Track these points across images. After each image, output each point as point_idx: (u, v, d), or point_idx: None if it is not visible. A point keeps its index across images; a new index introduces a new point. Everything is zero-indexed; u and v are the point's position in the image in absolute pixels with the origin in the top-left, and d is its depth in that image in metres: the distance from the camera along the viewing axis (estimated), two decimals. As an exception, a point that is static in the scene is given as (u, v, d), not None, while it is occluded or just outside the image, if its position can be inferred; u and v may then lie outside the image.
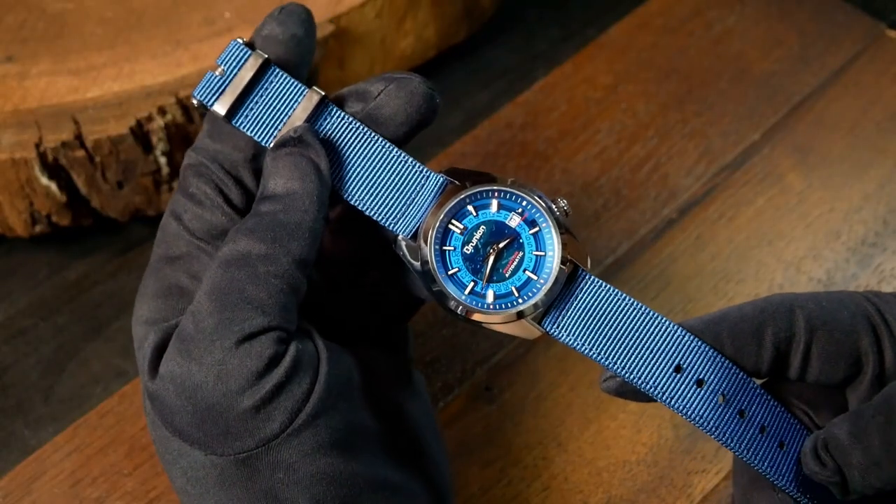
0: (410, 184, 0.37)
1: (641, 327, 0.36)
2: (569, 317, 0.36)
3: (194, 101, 0.37)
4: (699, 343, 0.35)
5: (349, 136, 0.37)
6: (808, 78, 0.59)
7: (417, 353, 0.49)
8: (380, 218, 0.37)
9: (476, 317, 0.36)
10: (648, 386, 0.35)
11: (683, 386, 0.35)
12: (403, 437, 0.38)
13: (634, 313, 0.36)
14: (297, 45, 0.38)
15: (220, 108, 0.36)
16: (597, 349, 0.36)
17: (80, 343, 0.50)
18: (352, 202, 0.37)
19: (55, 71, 0.49)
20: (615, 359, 0.35)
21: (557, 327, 0.36)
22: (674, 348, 0.35)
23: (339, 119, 0.37)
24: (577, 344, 0.36)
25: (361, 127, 0.37)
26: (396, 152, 0.37)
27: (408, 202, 0.37)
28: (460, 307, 0.36)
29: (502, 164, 0.55)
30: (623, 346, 0.36)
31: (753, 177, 0.55)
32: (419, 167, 0.37)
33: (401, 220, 0.36)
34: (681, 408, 0.35)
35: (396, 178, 0.37)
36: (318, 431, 0.33)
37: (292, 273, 0.34)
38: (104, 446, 0.45)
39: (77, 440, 0.45)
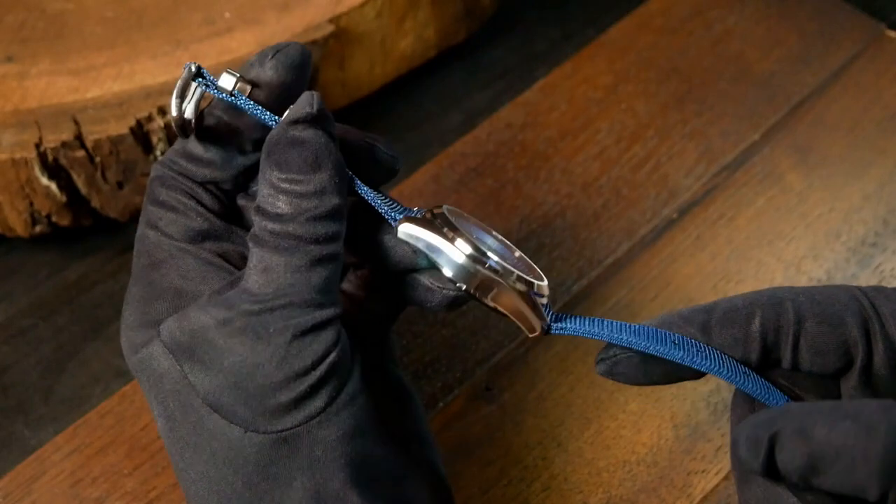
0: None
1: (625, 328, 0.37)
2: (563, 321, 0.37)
3: (190, 68, 0.35)
4: (686, 338, 0.36)
5: None
6: (808, 78, 0.59)
7: (417, 353, 0.49)
8: (380, 205, 0.36)
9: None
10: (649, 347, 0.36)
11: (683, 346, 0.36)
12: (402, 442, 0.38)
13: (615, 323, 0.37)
14: (284, 91, 0.37)
15: (227, 82, 0.36)
16: (593, 329, 0.36)
17: (80, 343, 0.50)
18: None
19: (55, 71, 0.49)
20: (611, 333, 0.36)
21: (556, 321, 0.37)
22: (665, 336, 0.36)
23: None
24: (579, 329, 0.36)
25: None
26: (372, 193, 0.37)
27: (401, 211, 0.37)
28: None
29: (502, 164, 0.55)
30: (617, 328, 0.36)
31: (753, 177, 0.55)
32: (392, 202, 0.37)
33: (400, 209, 0.37)
34: (683, 358, 0.36)
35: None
36: (355, 413, 0.34)
37: (340, 258, 0.35)
38: (104, 446, 0.45)
39: (77, 440, 0.45)
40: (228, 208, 0.38)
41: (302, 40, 0.50)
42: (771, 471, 0.32)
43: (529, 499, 0.45)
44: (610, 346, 0.37)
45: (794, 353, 0.35)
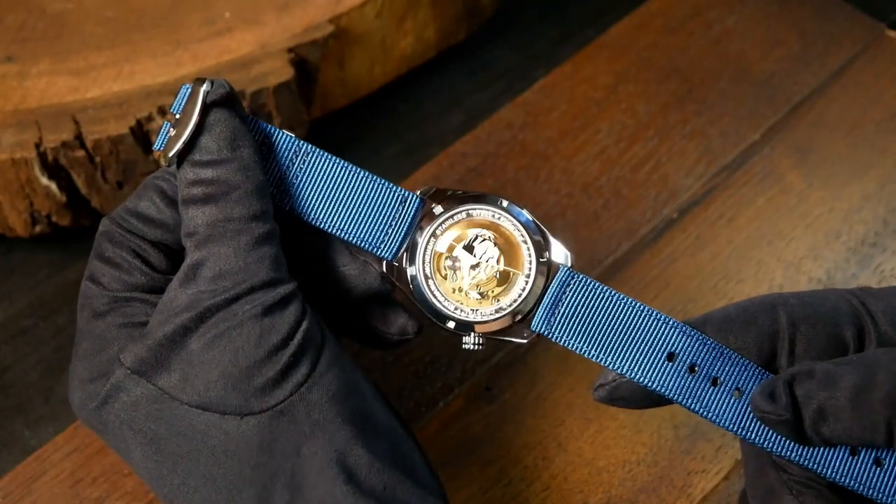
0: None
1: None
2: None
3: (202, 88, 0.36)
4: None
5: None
6: (808, 78, 0.59)
7: (417, 353, 0.49)
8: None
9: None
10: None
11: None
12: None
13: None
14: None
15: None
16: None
17: (80, 343, 0.50)
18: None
19: (55, 71, 0.49)
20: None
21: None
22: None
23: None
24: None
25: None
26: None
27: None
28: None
29: (502, 165, 0.55)
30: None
31: (753, 177, 0.55)
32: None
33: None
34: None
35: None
36: (338, 374, 0.35)
37: (278, 234, 0.36)
38: (104, 446, 0.45)
39: (77, 440, 0.45)
40: (177, 265, 0.37)
41: (302, 40, 0.50)
42: (796, 415, 0.34)
43: (529, 499, 0.45)
44: (607, 371, 0.37)
45: (790, 357, 0.36)
